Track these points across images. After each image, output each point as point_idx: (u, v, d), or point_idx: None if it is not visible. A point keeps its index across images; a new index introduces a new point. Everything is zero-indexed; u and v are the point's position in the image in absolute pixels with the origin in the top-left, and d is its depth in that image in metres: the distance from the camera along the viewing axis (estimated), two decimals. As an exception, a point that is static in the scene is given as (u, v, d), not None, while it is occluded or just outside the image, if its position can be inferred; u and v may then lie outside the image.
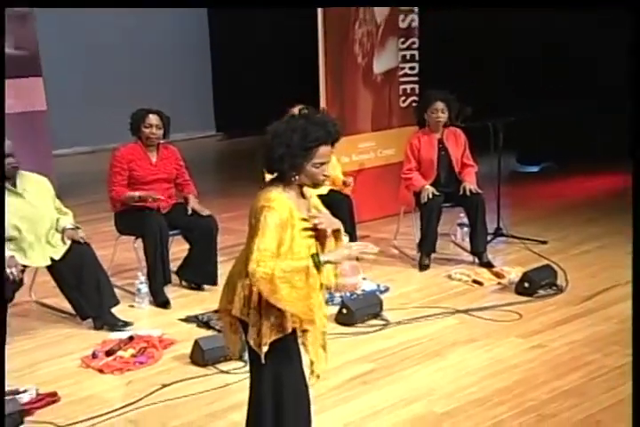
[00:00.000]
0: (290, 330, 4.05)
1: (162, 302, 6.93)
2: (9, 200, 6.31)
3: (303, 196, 4.09)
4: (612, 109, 10.81)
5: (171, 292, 7.09)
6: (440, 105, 7.69)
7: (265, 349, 3.99)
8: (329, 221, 4.06)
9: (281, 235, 3.89)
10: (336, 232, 4.10)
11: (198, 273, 7.26)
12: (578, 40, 10.84)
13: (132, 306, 6.86)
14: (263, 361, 4.05)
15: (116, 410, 5.22)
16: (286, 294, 3.85)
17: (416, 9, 9.25)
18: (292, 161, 3.91)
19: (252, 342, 4.01)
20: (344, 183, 7.60)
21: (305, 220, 3.99)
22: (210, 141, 13.76)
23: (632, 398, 3.98)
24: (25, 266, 6.24)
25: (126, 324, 6.45)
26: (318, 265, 3.88)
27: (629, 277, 7.09)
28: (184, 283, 7.35)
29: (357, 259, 7.47)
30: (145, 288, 6.94)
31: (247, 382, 4.41)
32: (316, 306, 4.05)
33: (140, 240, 7.07)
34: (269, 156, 3.95)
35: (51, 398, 5.35)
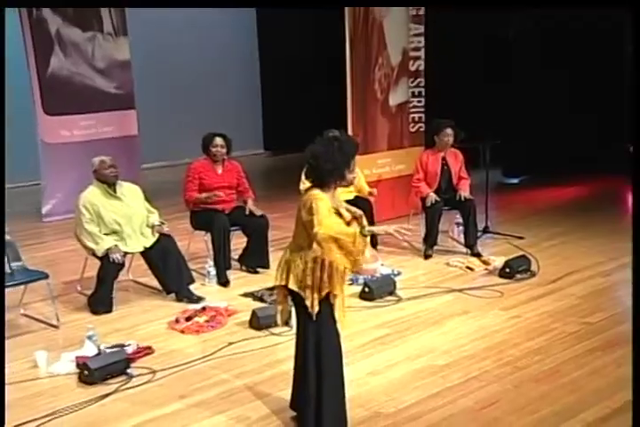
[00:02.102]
0: (325, 293, 4.11)
1: (223, 281, 6.91)
2: (110, 202, 6.35)
3: (334, 196, 4.19)
4: (578, 135, 10.71)
5: (233, 274, 7.06)
6: (449, 131, 7.65)
7: (316, 309, 4.10)
8: (354, 211, 4.18)
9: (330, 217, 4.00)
10: (360, 217, 4.18)
11: (254, 260, 7.19)
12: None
13: (204, 284, 6.83)
14: (314, 319, 4.12)
15: (196, 360, 5.36)
16: (337, 251, 3.95)
17: (423, 55, 9.12)
18: (340, 173, 4.06)
19: (308, 305, 4.11)
20: (370, 193, 7.47)
21: (337, 212, 4.10)
22: (259, 158, 13.46)
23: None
24: (125, 253, 6.30)
25: (200, 298, 6.45)
26: (364, 233, 4.01)
27: (585, 264, 7.27)
28: (243, 267, 7.26)
29: (376, 249, 7.67)
30: (213, 271, 6.91)
31: (291, 342, 4.49)
32: (359, 264, 4.10)
33: (208, 234, 7.00)
34: (318, 172, 4.07)
35: (147, 351, 5.48)
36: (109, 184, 6.40)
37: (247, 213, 7.11)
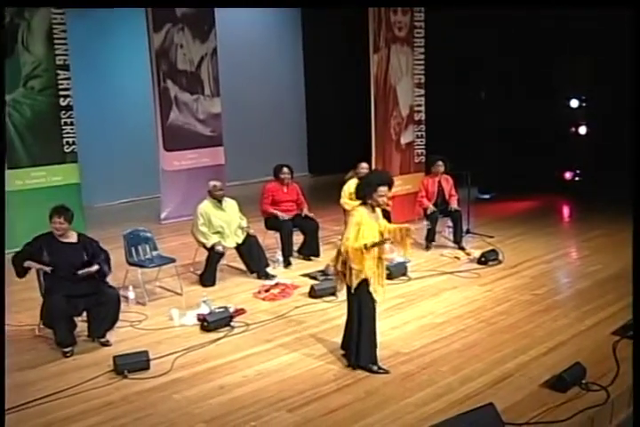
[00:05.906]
0: (363, 277, 4.40)
1: (287, 265, 7.05)
2: (218, 212, 6.51)
3: (373, 210, 4.48)
4: (529, 166, 10.56)
5: (294, 260, 7.19)
6: (440, 162, 7.77)
7: (354, 285, 4.45)
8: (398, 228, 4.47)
9: (359, 228, 4.31)
10: (404, 229, 4.46)
11: (309, 251, 7.33)
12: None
13: (274, 267, 6.94)
14: (356, 289, 4.42)
15: (274, 317, 5.65)
16: (354, 259, 4.32)
17: (424, 109, 9.10)
18: (368, 192, 4.40)
19: (349, 283, 4.45)
20: (387, 204, 7.81)
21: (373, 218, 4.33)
22: (305, 178, 12.53)
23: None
24: (224, 246, 6.52)
25: (273, 276, 6.63)
26: (367, 247, 4.29)
27: (534, 255, 7.38)
28: (301, 256, 7.35)
29: (393, 244, 7.81)
30: (281, 258, 7.08)
31: (338, 307, 4.82)
32: (372, 268, 4.39)
33: (277, 233, 7.16)
34: (362, 192, 4.45)
35: (242, 311, 5.78)
36: (218, 200, 6.62)
37: (304, 216, 7.27)
